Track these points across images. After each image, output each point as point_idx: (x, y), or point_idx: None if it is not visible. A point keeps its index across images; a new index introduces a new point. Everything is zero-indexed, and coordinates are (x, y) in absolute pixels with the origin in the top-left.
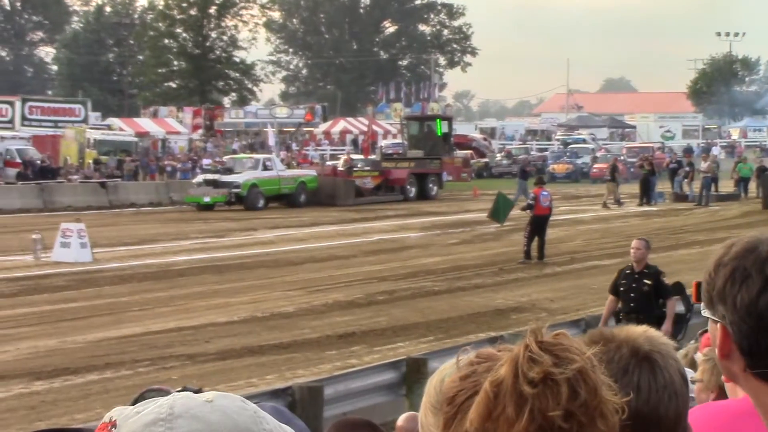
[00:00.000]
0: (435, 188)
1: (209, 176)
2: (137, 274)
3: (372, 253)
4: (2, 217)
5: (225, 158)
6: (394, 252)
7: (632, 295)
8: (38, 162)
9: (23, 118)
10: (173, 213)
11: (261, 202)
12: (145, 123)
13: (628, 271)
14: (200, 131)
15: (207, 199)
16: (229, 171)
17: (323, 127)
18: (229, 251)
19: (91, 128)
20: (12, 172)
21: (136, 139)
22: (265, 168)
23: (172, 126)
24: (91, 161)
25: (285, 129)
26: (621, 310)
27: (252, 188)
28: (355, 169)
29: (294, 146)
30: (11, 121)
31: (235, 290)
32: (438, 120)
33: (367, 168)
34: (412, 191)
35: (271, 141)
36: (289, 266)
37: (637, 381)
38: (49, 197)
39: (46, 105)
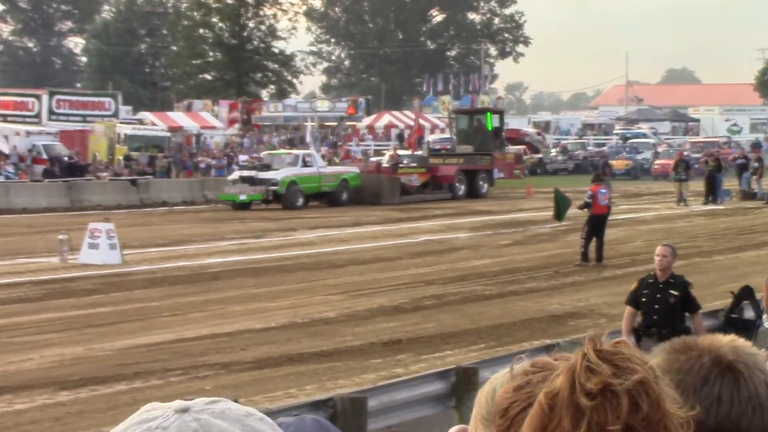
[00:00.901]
0: (485, 186)
1: (245, 173)
2: (169, 278)
3: (418, 255)
4: (28, 216)
5: (262, 154)
6: (442, 254)
7: (656, 307)
8: (66, 158)
9: (50, 112)
10: (207, 212)
11: (300, 201)
12: (179, 117)
13: (650, 281)
14: (237, 126)
15: (243, 198)
16: (266, 167)
17: (367, 121)
18: (266, 253)
19: (122, 123)
20: (39, 169)
21: (168, 134)
22: (305, 164)
23: (207, 120)
24: (121, 157)
25: (326, 123)
26: (641, 324)
27: (291, 186)
28: (400, 165)
29: (334, 141)
30: (38, 116)
31: (273, 294)
32: (489, 113)
33: (414, 164)
34: (461, 189)
35: (310, 136)
36: (331, 269)
37: (718, 392)
38: (76, 195)
39: (74, 98)
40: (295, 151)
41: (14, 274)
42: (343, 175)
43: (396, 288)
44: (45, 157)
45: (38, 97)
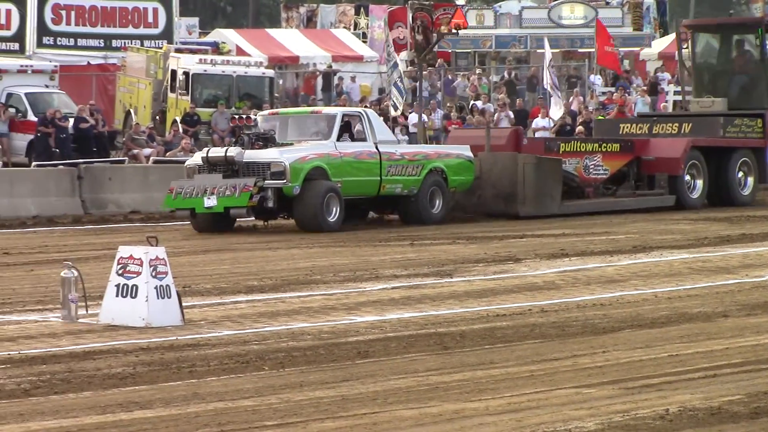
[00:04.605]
0: (748, 181)
1: (216, 152)
2: (271, 353)
3: (758, 308)
4: (4, 234)
5: (260, 114)
6: None
7: None
8: (71, 121)
9: (41, 31)
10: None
11: (335, 213)
12: (291, 39)
13: None
14: (405, 54)
15: (210, 203)
16: (263, 141)
17: (660, 45)
18: (455, 305)
19: (181, 51)
20: (21, 143)
21: (272, 72)
22: (352, 136)
23: (346, 45)
24: (178, 119)
25: (579, 50)
26: None
27: (311, 181)
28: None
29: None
30: (17, 39)
31: (474, 384)
32: (759, 30)
33: (593, 138)
34: (696, 188)
35: (551, 78)
36: (586, 335)
37: None
38: (92, 193)
39: (86, 3)
40: (330, 109)
41: None
42: (435, 161)
43: (715, 373)
44: (33, 118)
45: (19, 3)
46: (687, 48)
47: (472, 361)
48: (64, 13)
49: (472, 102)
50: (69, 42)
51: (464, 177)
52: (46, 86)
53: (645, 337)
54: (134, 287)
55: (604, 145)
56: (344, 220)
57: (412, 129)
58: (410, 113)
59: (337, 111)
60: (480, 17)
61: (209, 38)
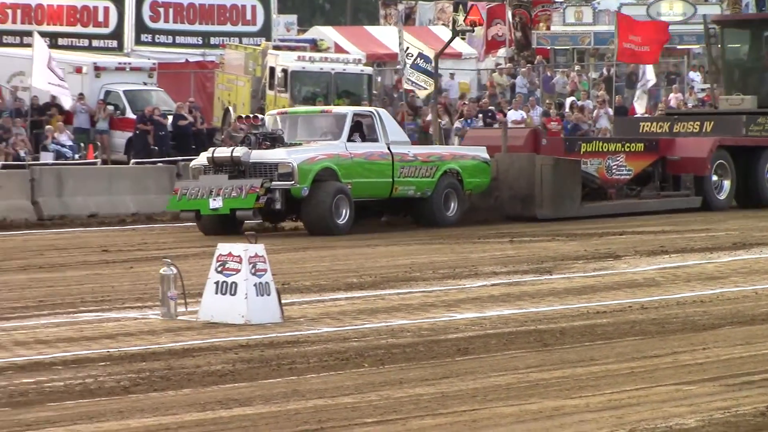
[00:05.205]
0: None
1: (222, 152)
2: (374, 350)
3: None
4: (100, 231)
5: (268, 114)
6: None
7: None
8: (170, 119)
9: (139, 29)
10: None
11: (345, 215)
12: (391, 36)
13: None
14: (503, 50)
15: (216, 205)
16: (270, 140)
17: None
18: (555, 302)
19: (280, 49)
20: (120, 140)
21: (369, 69)
22: (363, 137)
23: (443, 42)
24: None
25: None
26: None
27: (321, 182)
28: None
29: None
30: (116, 37)
31: (574, 381)
32: None
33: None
34: (723, 188)
35: (648, 74)
36: (686, 332)
37: None
38: None
39: (184, 1)
40: (340, 109)
41: (77, 342)
42: (450, 162)
43: None
44: (130, 116)
45: (117, 1)
46: (715, 44)
47: (571, 358)
48: (162, 10)
49: (570, 99)
50: (167, 39)
51: (480, 179)
52: (144, 84)
53: (745, 334)
54: (233, 284)
55: (628, 144)
56: (358, 220)
57: (510, 125)
58: (509, 110)
59: (348, 110)
60: (579, 14)
61: (307, 35)
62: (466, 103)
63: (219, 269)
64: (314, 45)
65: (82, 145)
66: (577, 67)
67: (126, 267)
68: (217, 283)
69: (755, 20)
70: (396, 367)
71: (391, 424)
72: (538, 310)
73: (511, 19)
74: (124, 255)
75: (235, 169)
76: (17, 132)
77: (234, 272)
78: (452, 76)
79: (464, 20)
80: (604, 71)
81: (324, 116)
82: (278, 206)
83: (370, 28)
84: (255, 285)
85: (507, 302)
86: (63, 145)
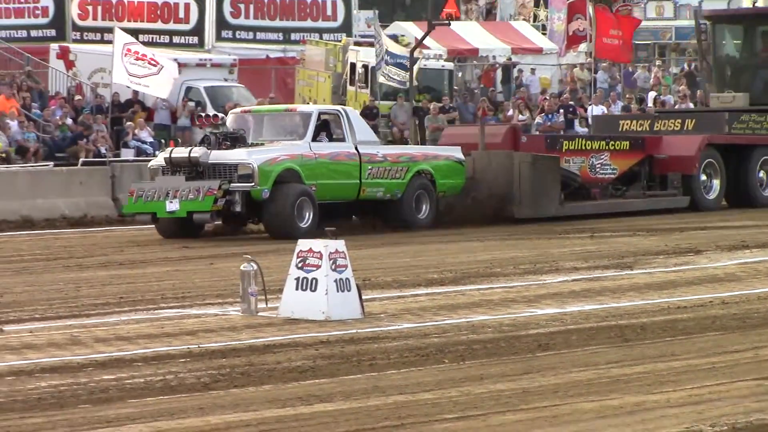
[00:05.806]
0: None
1: (180, 152)
2: (448, 345)
3: None
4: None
5: (231, 113)
6: None
7: None
8: None
9: (220, 25)
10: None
11: (308, 218)
12: (472, 32)
13: None
14: (583, 45)
15: (173, 208)
16: (231, 140)
17: None
18: (636, 297)
19: (360, 44)
20: (200, 136)
21: (450, 65)
22: (330, 136)
23: (525, 37)
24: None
25: None
26: None
27: (283, 184)
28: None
29: None
30: (196, 33)
31: (646, 375)
32: None
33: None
34: (712, 188)
35: None
36: (764, 327)
37: None
38: None
39: None
40: (304, 107)
41: (158, 339)
42: (421, 163)
43: None
44: (210, 112)
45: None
46: (708, 41)
47: (653, 354)
48: (242, 6)
49: (652, 93)
50: (248, 35)
51: (454, 180)
52: (225, 80)
53: None
54: (314, 280)
55: (612, 142)
56: (322, 224)
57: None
58: (590, 105)
59: (313, 109)
60: (659, 9)
61: (388, 31)
62: (547, 98)
63: (299, 265)
64: (395, 40)
65: (162, 141)
66: (658, 62)
67: (206, 263)
68: (297, 279)
69: (748, 15)
70: (476, 362)
71: (471, 419)
72: (618, 305)
73: (592, 15)
74: (205, 251)
75: (193, 170)
76: (98, 128)
77: (314, 268)
78: (533, 71)
79: (440, 13)
80: (685, 66)
81: (289, 115)
82: (238, 209)
83: (451, 24)
84: (335, 281)
85: (588, 298)
86: (144, 142)
